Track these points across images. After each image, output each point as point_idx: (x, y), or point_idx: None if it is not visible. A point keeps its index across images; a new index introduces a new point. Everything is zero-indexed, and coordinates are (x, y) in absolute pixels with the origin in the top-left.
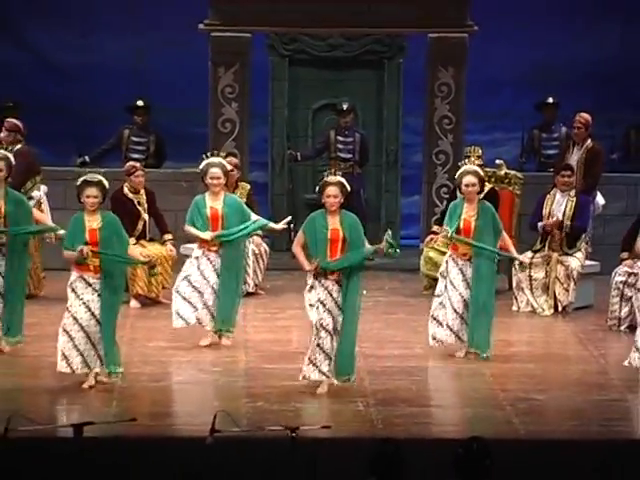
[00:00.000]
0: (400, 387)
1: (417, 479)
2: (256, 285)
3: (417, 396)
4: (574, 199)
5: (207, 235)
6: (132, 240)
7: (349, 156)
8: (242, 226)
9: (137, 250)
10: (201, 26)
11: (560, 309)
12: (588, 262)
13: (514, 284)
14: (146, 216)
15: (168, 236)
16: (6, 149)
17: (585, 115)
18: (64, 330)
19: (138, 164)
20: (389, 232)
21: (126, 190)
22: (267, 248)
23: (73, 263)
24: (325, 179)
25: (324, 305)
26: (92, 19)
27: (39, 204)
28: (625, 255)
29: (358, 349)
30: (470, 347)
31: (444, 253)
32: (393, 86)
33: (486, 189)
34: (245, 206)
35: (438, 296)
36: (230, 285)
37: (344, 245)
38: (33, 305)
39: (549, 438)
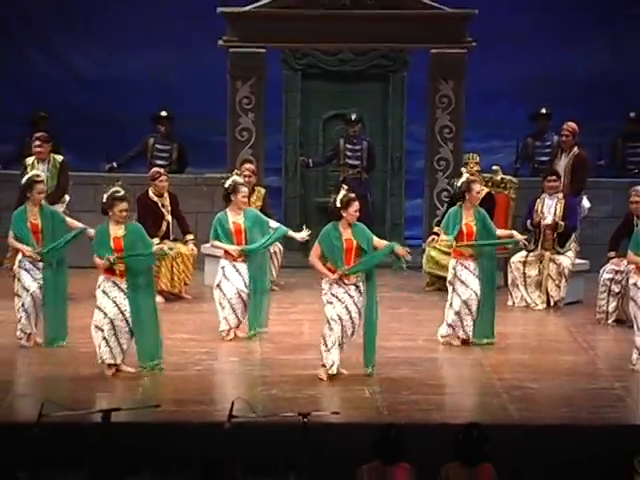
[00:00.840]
0: (404, 376)
1: (420, 461)
2: (271, 282)
3: (420, 384)
4: (562, 201)
5: (235, 250)
6: (156, 240)
7: (357, 163)
8: (265, 239)
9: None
10: (220, 42)
11: (552, 304)
12: (578, 260)
13: (509, 281)
14: (169, 217)
15: (190, 236)
16: (44, 160)
17: (572, 124)
18: (95, 326)
19: (162, 170)
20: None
21: (151, 194)
22: (281, 248)
23: (102, 269)
24: (348, 194)
25: (341, 302)
26: (119, 36)
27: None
28: (612, 254)
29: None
30: (475, 338)
31: (445, 252)
32: (397, 98)
33: (483, 194)
34: (262, 215)
35: (451, 306)
36: (262, 288)
37: (358, 253)
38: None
39: (541, 424)
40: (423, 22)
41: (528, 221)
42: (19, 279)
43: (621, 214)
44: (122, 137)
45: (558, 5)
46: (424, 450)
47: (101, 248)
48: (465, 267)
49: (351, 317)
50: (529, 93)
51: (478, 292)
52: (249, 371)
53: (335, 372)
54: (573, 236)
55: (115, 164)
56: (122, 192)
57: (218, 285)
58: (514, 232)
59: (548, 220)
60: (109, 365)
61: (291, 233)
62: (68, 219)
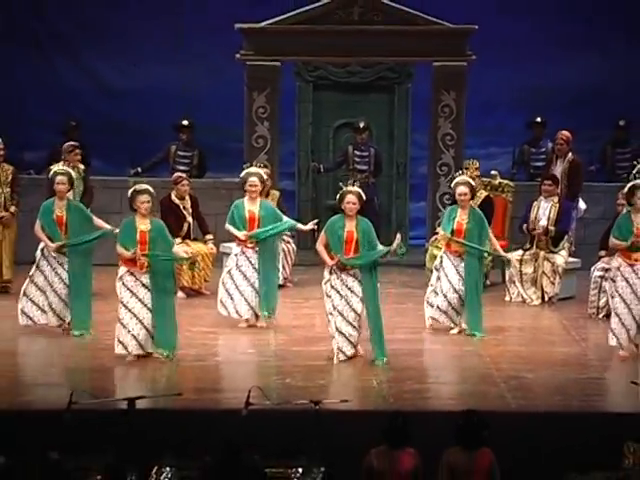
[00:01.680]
0: (408, 367)
1: (423, 446)
2: (285, 278)
3: (423, 374)
4: (557, 205)
5: (242, 234)
6: (178, 240)
7: (365, 168)
8: (271, 226)
9: (182, 249)
10: (237, 56)
11: (547, 300)
12: (571, 259)
13: (507, 278)
14: (190, 219)
15: (209, 236)
16: (73, 168)
17: (566, 132)
18: (119, 319)
19: (184, 175)
20: (399, 236)
21: (173, 197)
22: (294, 246)
23: (123, 259)
24: (345, 189)
25: (338, 292)
26: (144, 50)
27: None
28: (603, 253)
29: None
30: (467, 330)
31: None
32: (402, 107)
33: (482, 197)
34: (278, 211)
35: (431, 285)
36: (271, 277)
37: (357, 245)
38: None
39: (536, 411)
40: (426, 37)
41: (524, 225)
42: (37, 265)
43: (612, 216)
44: (146, 144)
45: (553, 20)
46: (427, 435)
47: (126, 238)
48: (450, 261)
49: (352, 307)
50: (525, 103)
51: (456, 287)
52: (264, 362)
53: (342, 359)
54: (567, 236)
55: (140, 169)
56: (144, 186)
57: (229, 272)
58: (500, 250)
59: (542, 222)
60: (135, 355)
61: (299, 225)
62: (96, 219)
